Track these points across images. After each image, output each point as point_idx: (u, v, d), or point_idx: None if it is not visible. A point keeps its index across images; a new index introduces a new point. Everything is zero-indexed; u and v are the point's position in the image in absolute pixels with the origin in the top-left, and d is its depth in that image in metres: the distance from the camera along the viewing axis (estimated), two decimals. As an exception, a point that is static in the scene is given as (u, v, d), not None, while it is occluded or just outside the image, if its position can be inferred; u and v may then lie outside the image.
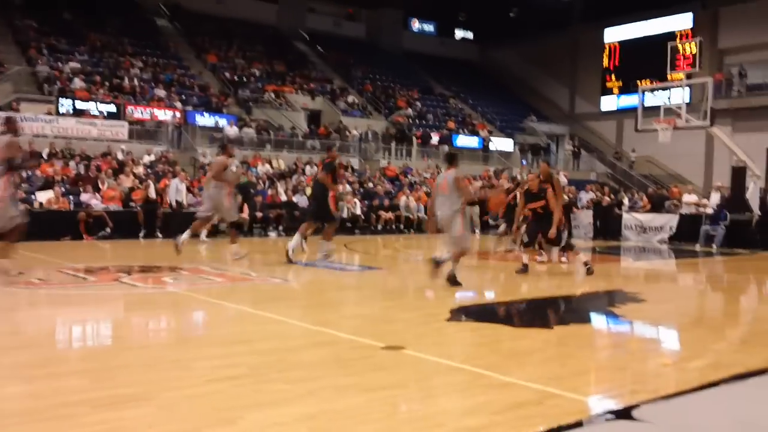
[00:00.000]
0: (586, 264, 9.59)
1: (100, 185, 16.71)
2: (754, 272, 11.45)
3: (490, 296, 8.40)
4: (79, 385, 3.69)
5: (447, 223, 8.29)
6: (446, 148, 28.57)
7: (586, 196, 20.87)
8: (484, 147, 30.40)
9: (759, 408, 3.48)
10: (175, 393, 3.54)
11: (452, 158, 8.86)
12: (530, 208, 9.72)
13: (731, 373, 4.06)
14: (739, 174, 18.77)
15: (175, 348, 4.79)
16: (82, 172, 17.67)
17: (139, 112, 22.68)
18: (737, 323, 6.51)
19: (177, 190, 16.76)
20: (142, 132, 21.87)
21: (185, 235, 10.35)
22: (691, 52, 18.73)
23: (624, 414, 3.28)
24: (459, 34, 42.70)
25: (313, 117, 29.05)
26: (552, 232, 9.32)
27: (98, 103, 21.92)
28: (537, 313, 6.92)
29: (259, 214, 17.95)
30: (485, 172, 27.03)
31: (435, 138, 29.13)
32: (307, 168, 22.56)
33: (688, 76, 19.21)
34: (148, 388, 3.62)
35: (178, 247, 10.15)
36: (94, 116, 21.27)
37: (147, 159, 20.24)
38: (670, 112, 19.18)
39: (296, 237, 10.77)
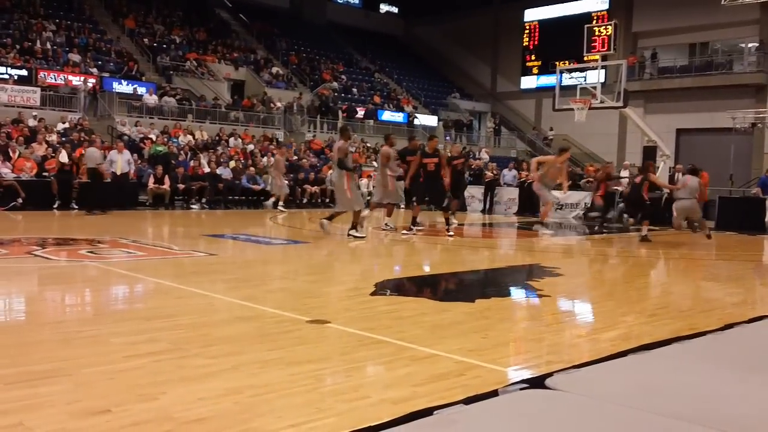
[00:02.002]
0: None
1: (11, 153, 15.82)
2: (663, 248, 12.12)
3: (414, 270, 8.53)
4: (-11, 363, 3.52)
5: (337, 183, 10.45)
6: (371, 122, 28.59)
7: (509, 174, 21.41)
8: (409, 122, 30.60)
9: (663, 375, 3.71)
10: (93, 369, 3.44)
11: (343, 131, 11.05)
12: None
13: (640, 344, 4.32)
14: (649, 153, 19.72)
15: (92, 323, 4.63)
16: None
17: (52, 78, 21.49)
18: (647, 297, 6.90)
19: (111, 162, 15.84)
20: (56, 98, 20.74)
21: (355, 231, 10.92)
22: (606, 35, 19.40)
23: (537, 383, 3.42)
24: (384, 7, 42.48)
25: (237, 88, 28.36)
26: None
27: (8, 67, 20.63)
28: (460, 287, 7.10)
29: (181, 186, 17.48)
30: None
31: (360, 112, 29.07)
32: (231, 140, 22.08)
33: (604, 58, 19.92)
34: (64, 364, 3.50)
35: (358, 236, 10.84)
36: (4, 80, 20.02)
37: (61, 126, 19.26)
38: (586, 92, 19.87)
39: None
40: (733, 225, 15.93)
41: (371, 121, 28.95)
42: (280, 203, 17.46)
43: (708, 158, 21.84)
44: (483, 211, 20.25)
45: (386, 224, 12.34)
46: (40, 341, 4.02)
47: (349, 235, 10.69)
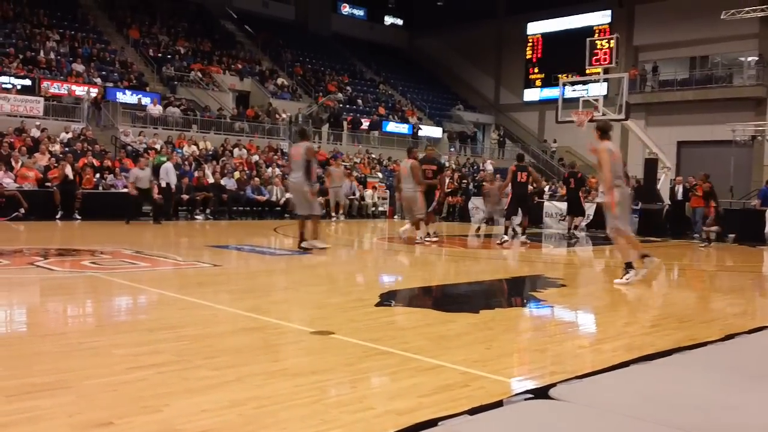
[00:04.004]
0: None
1: (14, 163, 15.86)
2: (665, 259, 12.09)
3: (418, 281, 8.52)
4: (-8, 373, 3.51)
5: (297, 187, 9.96)
6: (376, 134, 28.68)
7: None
8: (414, 134, 30.69)
9: (665, 385, 3.70)
10: (96, 381, 3.42)
11: (303, 133, 10.90)
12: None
13: (642, 354, 4.31)
14: (651, 165, 19.74)
15: (94, 335, 4.62)
16: (-7, 149, 16.72)
17: (55, 88, 21.58)
18: (649, 307, 6.87)
19: (167, 172, 16.45)
20: (59, 108, 20.82)
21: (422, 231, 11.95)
22: (608, 48, 19.50)
23: (542, 393, 3.41)
24: (388, 20, 42.74)
25: (242, 98, 28.47)
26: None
27: (11, 77, 20.73)
28: (464, 298, 7.08)
29: (185, 197, 17.50)
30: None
31: (365, 123, 29.15)
32: (235, 150, 22.14)
33: (606, 71, 20.01)
34: (66, 376, 3.48)
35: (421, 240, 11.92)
36: (7, 90, 20.10)
37: (64, 137, 19.33)
38: (588, 104, 19.93)
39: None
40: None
41: (376, 133, 29.02)
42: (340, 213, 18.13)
43: (708, 170, 21.70)
44: (487, 222, 20.21)
45: (431, 233, 12.71)
46: (41, 353, 4.01)
47: (300, 247, 10.08)
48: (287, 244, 12.20)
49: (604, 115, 19.52)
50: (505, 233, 13.08)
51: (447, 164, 27.84)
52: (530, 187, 13.83)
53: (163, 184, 16.47)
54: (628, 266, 7.38)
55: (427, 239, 12.51)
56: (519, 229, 14.13)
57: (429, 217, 12.90)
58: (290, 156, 10.69)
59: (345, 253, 10.87)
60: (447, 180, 22.68)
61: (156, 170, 17.85)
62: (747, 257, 13.01)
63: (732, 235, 15.89)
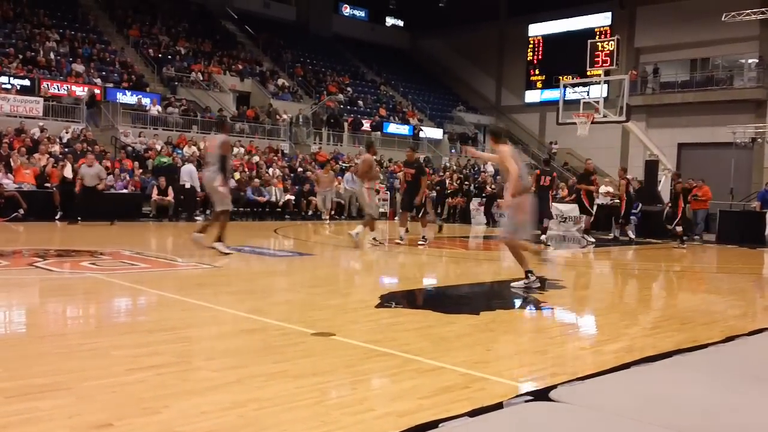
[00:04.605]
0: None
1: (13, 164, 15.85)
2: (666, 261, 12.09)
3: (419, 283, 8.51)
4: (-9, 374, 3.50)
5: (210, 182, 9.38)
6: (379, 134, 28.71)
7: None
8: (415, 135, 30.69)
9: (666, 387, 3.70)
10: (95, 382, 3.41)
11: (221, 124, 10.43)
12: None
13: (643, 356, 4.30)
14: (652, 167, 19.75)
15: (94, 336, 4.61)
16: (-8, 149, 16.72)
17: (55, 88, 21.57)
18: (649, 309, 6.87)
19: (190, 175, 16.66)
20: (59, 109, 20.81)
21: (358, 230, 11.18)
22: (609, 50, 19.52)
23: (542, 395, 3.41)
24: (390, 21, 42.75)
25: (242, 99, 28.46)
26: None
27: (11, 77, 20.72)
28: (464, 300, 7.08)
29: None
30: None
31: (366, 125, 29.16)
32: (234, 149, 22.15)
33: (606, 73, 20.02)
34: (65, 377, 3.48)
35: (356, 244, 11.16)
36: (6, 90, 20.10)
37: (64, 136, 19.33)
38: (589, 106, 19.93)
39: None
40: (733, 238, 15.94)
41: (378, 133, 29.03)
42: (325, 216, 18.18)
43: (709, 172, 21.81)
44: (487, 224, 20.22)
45: (374, 238, 12.05)
46: (41, 354, 4.00)
47: (213, 247, 9.39)
48: (288, 246, 12.20)
49: (604, 116, 19.55)
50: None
51: (449, 166, 27.89)
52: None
53: (187, 185, 16.83)
54: (529, 273, 7.19)
55: (398, 240, 12.22)
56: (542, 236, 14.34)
57: (423, 221, 12.80)
58: (205, 148, 10.35)
59: (344, 254, 10.86)
60: (446, 182, 22.74)
61: (157, 172, 17.88)
62: (747, 259, 13.00)
63: (697, 237, 16.22)
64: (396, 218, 21.27)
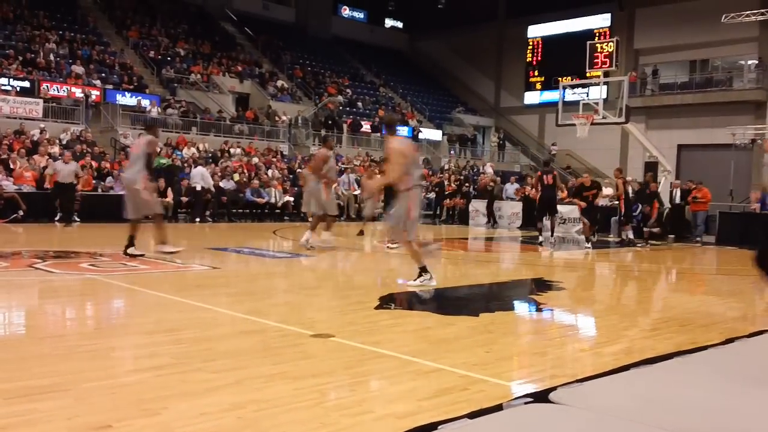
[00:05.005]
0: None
1: (12, 165, 15.85)
2: (665, 262, 12.10)
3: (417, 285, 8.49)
4: (-10, 376, 3.50)
5: (130, 184, 8.70)
6: (378, 135, 28.70)
7: (511, 188, 21.41)
8: (414, 136, 30.70)
9: (665, 389, 3.70)
10: (94, 384, 3.41)
11: (149, 125, 9.84)
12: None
13: (642, 358, 4.30)
14: (651, 169, 19.75)
15: (93, 337, 4.61)
16: (-8, 151, 16.72)
17: (54, 89, 21.57)
18: (649, 311, 6.87)
19: (202, 176, 17.14)
20: (58, 110, 20.82)
21: (307, 236, 10.53)
22: (608, 51, 19.53)
23: (541, 397, 3.41)
24: (389, 22, 42.76)
25: (241, 100, 28.48)
26: None
27: (10, 79, 20.72)
28: (463, 301, 7.07)
29: (184, 199, 17.50)
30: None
31: (366, 126, 29.16)
32: (232, 151, 22.16)
33: (606, 74, 20.04)
34: (64, 378, 3.48)
35: (307, 248, 10.44)
36: (6, 92, 20.10)
37: (64, 138, 19.33)
38: (589, 107, 19.95)
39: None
40: (732, 240, 15.94)
41: (377, 135, 29.04)
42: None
43: (709, 174, 21.83)
44: (488, 224, 20.19)
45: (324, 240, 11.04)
46: (40, 355, 4.00)
47: (126, 253, 8.68)
48: (287, 247, 12.19)
49: (604, 118, 19.56)
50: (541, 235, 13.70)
51: (448, 167, 27.89)
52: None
53: (198, 188, 17.05)
54: (423, 270, 7.02)
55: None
56: (547, 235, 14.52)
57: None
58: (130, 149, 9.68)
59: (340, 255, 10.85)
60: (445, 183, 22.74)
61: (156, 173, 17.86)
62: (747, 261, 12.99)
63: (672, 236, 16.40)
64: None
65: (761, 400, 3.56)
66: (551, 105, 28.77)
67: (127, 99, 22.88)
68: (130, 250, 8.72)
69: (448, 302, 6.96)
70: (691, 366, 4.24)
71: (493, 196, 20.50)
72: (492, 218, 20.23)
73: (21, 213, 14.38)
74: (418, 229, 7.39)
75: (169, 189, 16.87)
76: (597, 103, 19.61)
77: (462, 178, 24.64)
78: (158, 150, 11.60)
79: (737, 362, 4.51)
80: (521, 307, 6.70)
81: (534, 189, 14.75)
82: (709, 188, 17.86)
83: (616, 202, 16.47)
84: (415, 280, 7.14)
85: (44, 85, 21.29)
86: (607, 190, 19.22)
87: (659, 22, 30.06)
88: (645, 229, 15.12)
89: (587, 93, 22.79)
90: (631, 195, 15.64)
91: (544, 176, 13.79)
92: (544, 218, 14.41)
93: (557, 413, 3.23)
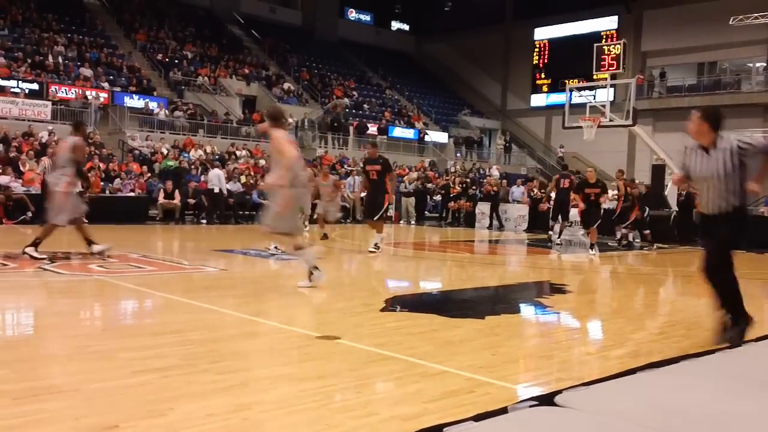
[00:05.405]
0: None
1: (21, 167, 15.95)
2: (672, 266, 12.05)
3: (424, 286, 8.51)
4: (-2, 376, 3.52)
5: (52, 186, 8.59)
6: (384, 138, 28.76)
7: (517, 191, 21.36)
8: (420, 139, 30.72)
9: (672, 393, 3.68)
10: (101, 384, 3.43)
11: (77, 126, 9.60)
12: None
13: (649, 361, 4.28)
14: (658, 172, 19.67)
15: (100, 338, 4.63)
16: (2, 153, 16.82)
17: (63, 92, 21.70)
18: (656, 314, 6.84)
19: (218, 178, 17.39)
20: (67, 112, 20.93)
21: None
22: (615, 54, 19.47)
23: (547, 400, 3.39)
24: (395, 25, 42.80)
25: (248, 103, 28.56)
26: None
27: (19, 81, 20.85)
28: (470, 304, 7.07)
29: (191, 201, 17.56)
30: (420, 164, 27.30)
31: (372, 128, 29.20)
32: (239, 153, 22.22)
33: (613, 77, 19.97)
34: (72, 379, 3.50)
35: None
36: (15, 94, 20.23)
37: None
38: (596, 110, 19.89)
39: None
40: (741, 243, 15.81)
41: (383, 137, 29.08)
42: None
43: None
44: (489, 227, 20.13)
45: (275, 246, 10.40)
46: (47, 356, 4.02)
47: (24, 252, 8.39)
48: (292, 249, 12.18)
49: (611, 120, 19.49)
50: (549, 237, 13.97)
51: (454, 170, 27.85)
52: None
53: (216, 190, 17.16)
54: (315, 269, 6.81)
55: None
56: (555, 236, 14.88)
57: (378, 225, 11.10)
58: (57, 149, 8.97)
59: (346, 258, 10.86)
60: (450, 185, 22.70)
61: (163, 175, 17.96)
62: (755, 264, 12.94)
63: (652, 243, 15.86)
64: (401, 222, 21.27)
65: (768, 404, 3.53)
66: (558, 107, 28.72)
67: (134, 101, 22.99)
68: (96, 248, 8.77)
69: (454, 305, 6.95)
70: (698, 370, 4.21)
71: (497, 199, 20.43)
72: (498, 221, 20.16)
73: (29, 214, 14.45)
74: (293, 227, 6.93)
75: (177, 191, 16.94)
76: (604, 106, 19.56)
77: (468, 180, 24.60)
78: (86, 153, 11.48)
79: (745, 367, 4.47)
80: (527, 310, 6.69)
81: (549, 190, 15.11)
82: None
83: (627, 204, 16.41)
84: (305, 281, 6.88)
85: (53, 88, 21.42)
86: (613, 192, 19.14)
87: (667, 25, 29.97)
88: (619, 226, 15.20)
89: (594, 95, 22.74)
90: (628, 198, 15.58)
91: (562, 180, 14.44)
92: (557, 220, 14.86)
93: (563, 416, 3.21)
